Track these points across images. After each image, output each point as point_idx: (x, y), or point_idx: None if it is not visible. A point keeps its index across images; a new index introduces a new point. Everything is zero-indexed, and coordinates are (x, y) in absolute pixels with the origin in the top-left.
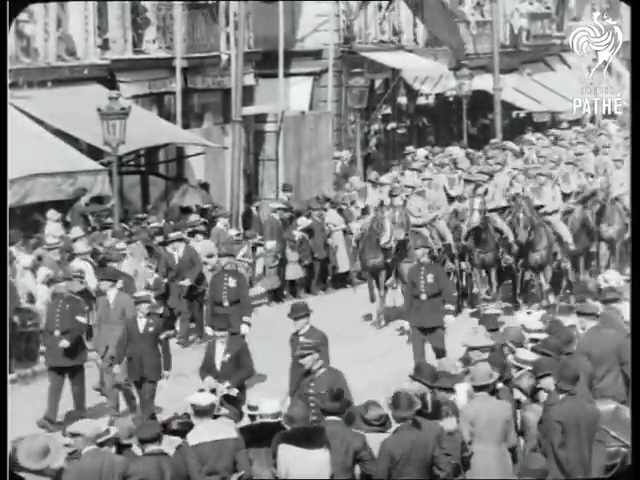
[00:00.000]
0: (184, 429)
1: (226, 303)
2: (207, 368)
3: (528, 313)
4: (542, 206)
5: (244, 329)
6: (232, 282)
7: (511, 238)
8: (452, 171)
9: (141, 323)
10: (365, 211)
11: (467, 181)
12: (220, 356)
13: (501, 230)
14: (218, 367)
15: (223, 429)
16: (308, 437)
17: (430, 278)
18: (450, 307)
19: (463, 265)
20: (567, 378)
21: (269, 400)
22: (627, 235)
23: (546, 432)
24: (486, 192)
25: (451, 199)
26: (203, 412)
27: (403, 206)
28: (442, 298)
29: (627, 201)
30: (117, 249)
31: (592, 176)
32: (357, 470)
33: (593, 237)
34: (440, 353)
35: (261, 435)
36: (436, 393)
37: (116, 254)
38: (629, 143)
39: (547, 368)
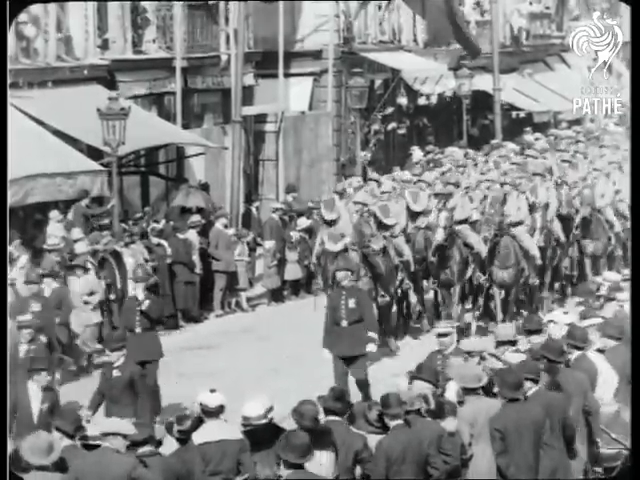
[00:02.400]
0: (189, 430)
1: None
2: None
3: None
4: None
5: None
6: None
7: (483, 253)
8: (416, 185)
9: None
10: (334, 222)
11: (436, 195)
12: None
13: (471, 245)
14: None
15: (228, 430)
16: (314, 438)
17: (352, 303)
18: (372, 335)
19: (425, 283)
20: (509, 384)
21: (251, 402)
22: (609, 249)
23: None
24: (454, 208)
25: (416, 213)
26: (211, 413)
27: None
28: (364, 325)
29: (609, 213)
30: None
31: (568, 186)
32: (358, 471)
33: (565, 252)
34: (362, 384)
35: (264, 437)
36: (438, 392)
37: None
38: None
39: (532, 372)
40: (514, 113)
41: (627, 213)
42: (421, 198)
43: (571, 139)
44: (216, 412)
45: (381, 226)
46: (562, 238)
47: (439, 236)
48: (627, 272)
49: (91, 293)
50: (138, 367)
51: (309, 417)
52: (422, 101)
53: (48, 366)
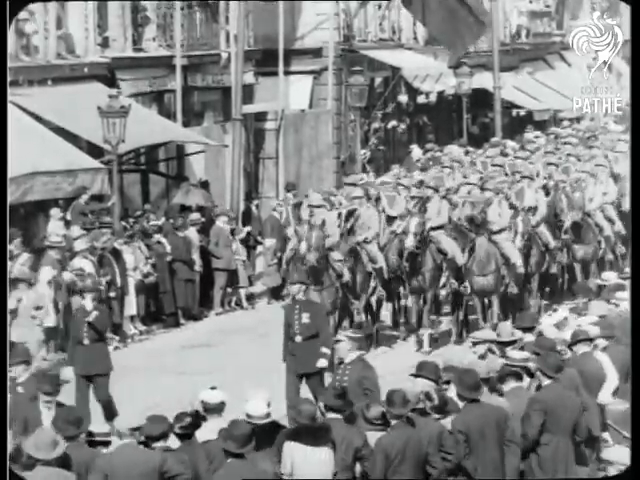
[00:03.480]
0: (192, 427)
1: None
2: None
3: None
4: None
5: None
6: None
7: (460, 261)
8: (394, 189)
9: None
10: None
11: (413, 197)
12: None
13: (445, 251)
14: None
15: None
16: (314, 435)
17: (305, 318)
18: (325, 351)
19: (402, 290)
20: (468, 385)
21: (254, 401)
22: (599, 253)
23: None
24: (425, 210)
25: (393, 218)
26: (213, 410)
27: (322, 226)
28: (320, 341)
29: (599, 217)
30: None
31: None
32: (357, 468)
33: (554, 257)
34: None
35: (266, 435)
36: (441, 390)
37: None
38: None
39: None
40: (514, 111)
41: (614, 216)
42: (398, 202)
43: (563, 139)
44: (217, 409)
45: (351, 231)
46: (551, 244)
47: (409, 242)
48: (627, 271)
49: (38, 308)
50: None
51: (306, 415)
52: (422, 99)
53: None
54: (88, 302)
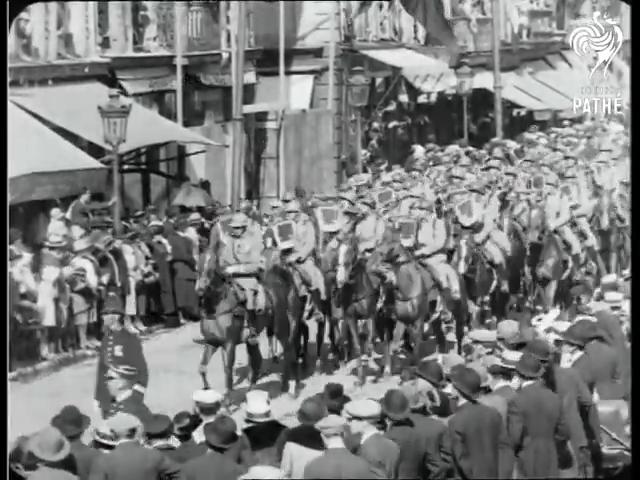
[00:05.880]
0: (191, 428)
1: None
2: None
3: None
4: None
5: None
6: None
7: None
8: (335, 202)
9: None
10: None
11: (347, 213)
12: None
13: (382, 274)
14: None
15: None
16: (314, 436)
17: (118, 350)
18: (139, 389)
19: (339, 313)
20: (468, 384)
21: (256, 400)
22: (566, 273)
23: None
24: (354, 229)
25: (331, 234)
26: (208, 410)
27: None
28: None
29: (567, 232)
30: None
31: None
32: None
33: (503, 274)
34: None
35: (266, 434)
36: (442, 390)
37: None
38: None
39: (531, 370)
40: (515, 111)
41: (588, 231)
42: (338, 217)
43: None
44: (213, 409)
45: (285, 250)
46: (496, 260)
47: (340, 277)
48: (627, 272)
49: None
50: None
51: (313, 416)
52: (423, 99)
53: None
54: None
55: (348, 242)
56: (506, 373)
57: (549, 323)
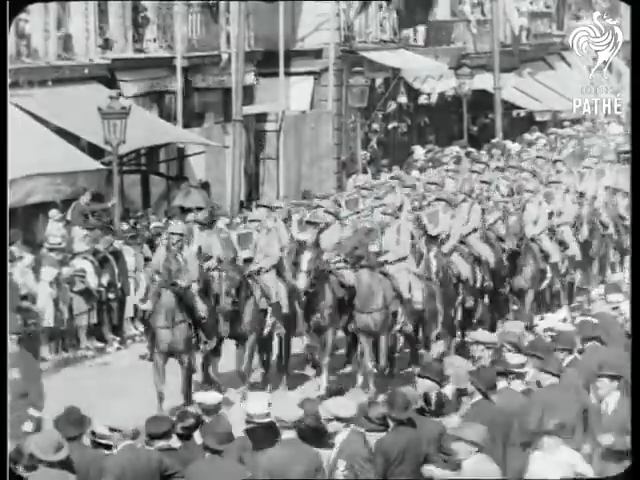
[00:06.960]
0: (193, 428)
1: None
2: None
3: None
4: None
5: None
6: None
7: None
8: (310, 208)
9: None
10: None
11: (309, 222)
12: None
13: (347, 284)
14: None
15: None
16: (314, 436)
17: (15, 373)
18: (34, 413)
19: (304, 327)
20: (485, 381)
21: (255, 401)
22: (545, 283)
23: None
24: (317, 243)
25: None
26: (210, 410)
27: (198, 252)
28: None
29: (545, 241)
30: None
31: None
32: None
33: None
34: None
35: (266, 435)
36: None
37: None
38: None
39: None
40: (515, 112)
41: (569, 239)
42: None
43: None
44: (215, 409)
45: (244, 260)
46: (463, 275)
47: (301, 284)
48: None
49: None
50: None
51: (311, 415)
52: (422, 100)
53: None
54: None
55: (311, 250)
56: (507, 374)
57: (551, 323)
